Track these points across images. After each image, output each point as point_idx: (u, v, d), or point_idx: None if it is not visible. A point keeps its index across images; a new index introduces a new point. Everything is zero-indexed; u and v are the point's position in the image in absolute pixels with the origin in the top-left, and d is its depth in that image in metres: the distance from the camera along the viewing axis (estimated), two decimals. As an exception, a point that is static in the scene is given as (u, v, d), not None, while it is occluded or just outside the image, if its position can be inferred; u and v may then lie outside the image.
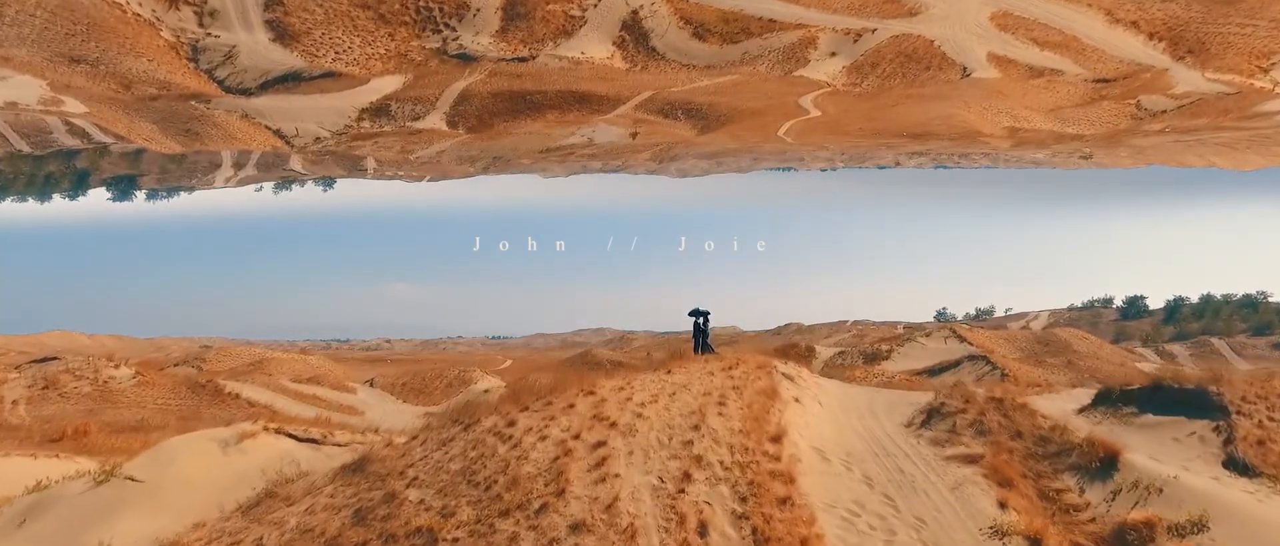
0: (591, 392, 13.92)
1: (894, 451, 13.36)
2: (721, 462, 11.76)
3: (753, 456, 12.01)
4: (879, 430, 14.48)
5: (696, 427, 12.66)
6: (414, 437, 13.40)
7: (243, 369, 63.07)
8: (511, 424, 12.91)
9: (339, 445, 17.58)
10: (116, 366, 51.30)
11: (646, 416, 12.96)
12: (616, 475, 11.28)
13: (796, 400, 15.24)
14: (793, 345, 68.53)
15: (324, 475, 12.71)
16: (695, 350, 19.17)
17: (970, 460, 12.89)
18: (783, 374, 16.60)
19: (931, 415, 14.73)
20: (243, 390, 48.96)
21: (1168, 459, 13.61)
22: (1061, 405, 19.23)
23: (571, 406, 13.32)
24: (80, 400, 48.32)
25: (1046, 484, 12.22)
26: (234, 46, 76.29)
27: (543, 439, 12.34)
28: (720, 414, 13.32)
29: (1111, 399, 17.33)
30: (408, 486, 11.62)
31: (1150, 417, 15.79)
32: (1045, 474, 12.47)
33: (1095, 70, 79.87)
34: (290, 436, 16.91)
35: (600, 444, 12.04)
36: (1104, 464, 12.34)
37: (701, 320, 19.33)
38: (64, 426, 41.24)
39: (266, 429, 16.54)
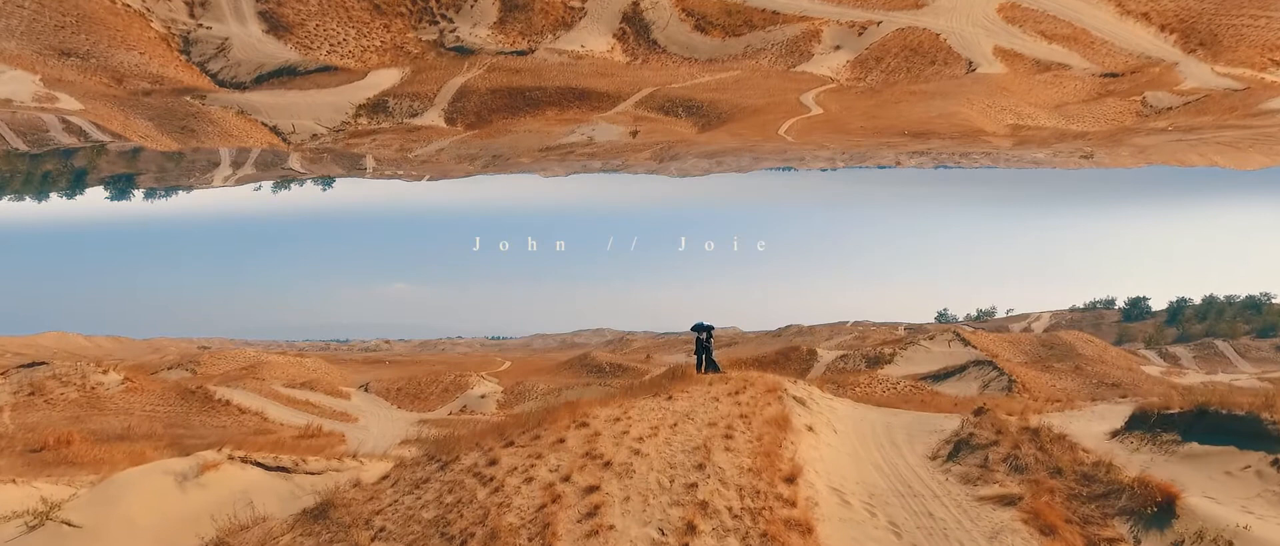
0: (584, 424, 12.56)
1: (921, 490, 11.98)
2: (730, 509, 10.40)
3: (765, 501, 10.65)
4: (902, 463, 13.10)
5: (701, 467, 11.30)
6: (385, 477, 12.05)
7: (235, 373, 61.66)
8: (493, 462, 11.55)
9: (312, 473, 16.24)
10: (104, 372, 50.02)
11: (645, 453, 11.60)
12: (610, 526, 9.93)
13: (810, 428, 13.87)
14: (794, 348, 67.10)
15: (282, 522, 11.35)
16: (698, 367, 17.82)
17: (1007, 501, 11.52)
18: (794, 397, 15.23)
19: (959, 446, 13.35)
20: (233, 396, 47.64)
21: (1222, 497, 12.25)
22: (1091, 426, 17.83)
23: (561, 441, 11.97)
24: (67, 407, 47.08)
25: (1095, 532, 10.85)
26: (226, 39, 74.76)
27: (528, 481, 10.98)
28: (727, 449, 11.96)
29: (1149, 423, 15.92)
30: (373, 539, 10.26)
31: (1196, 446, 14.39)
32: (1093, 519, 11.10)
33: (1104, 64, 78.33)
34: (258, 465, 15.56)
35: (593, 488, 10.69)
36: (1160, 509, 10.97)
37: (705, 335, 17.95)
38: (46, 436, 40.08)
39: (231, 457, 15.20)
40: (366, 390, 54.41)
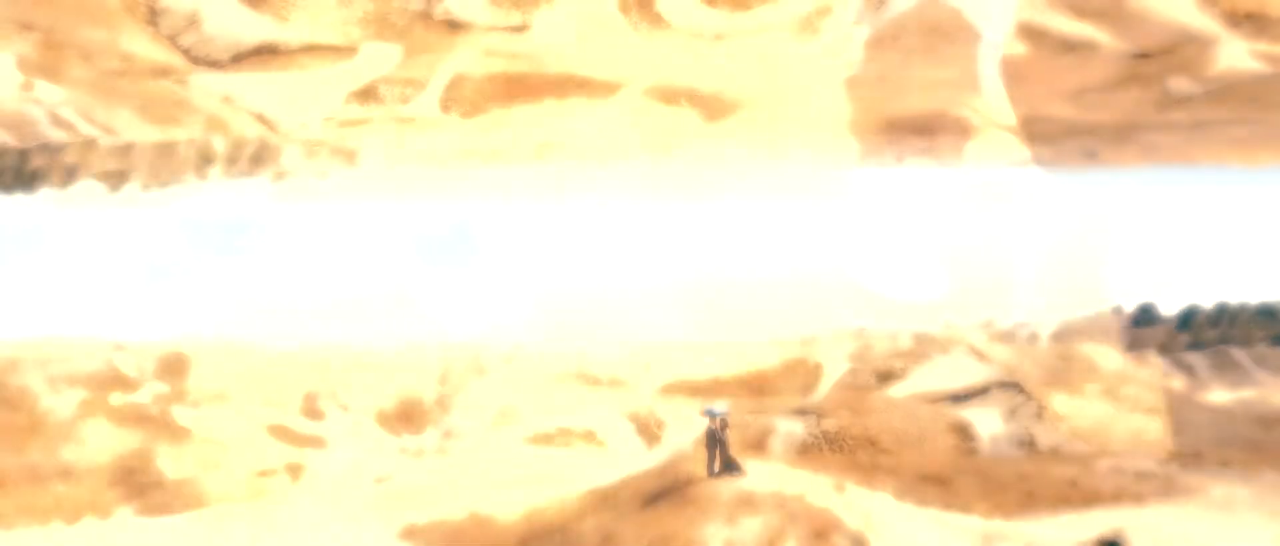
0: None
1: None
2: None
3: None
4: None
5: None
6: None
7: (210, 390, 57.59)
8: None
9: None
10: (58, 392, 45.84)
11: None
12: None
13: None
14: (798, 361, 62.69)
15: None
16: (710, 469, 13.16)
17: None
18: (851, 541, 10.66)
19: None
20: (198, 421, 43.41)
21: None
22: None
23: None
24: (10, 435, 43.01)
25: None
26: (196, 10, 70.37)
27: None
28: None
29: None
30: None
31: None
32: None
33: (1136, 42, 73.42)
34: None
35: None
36: None
37: (719, 424, 13.19)
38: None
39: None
40: (347, 410, 50.19)
